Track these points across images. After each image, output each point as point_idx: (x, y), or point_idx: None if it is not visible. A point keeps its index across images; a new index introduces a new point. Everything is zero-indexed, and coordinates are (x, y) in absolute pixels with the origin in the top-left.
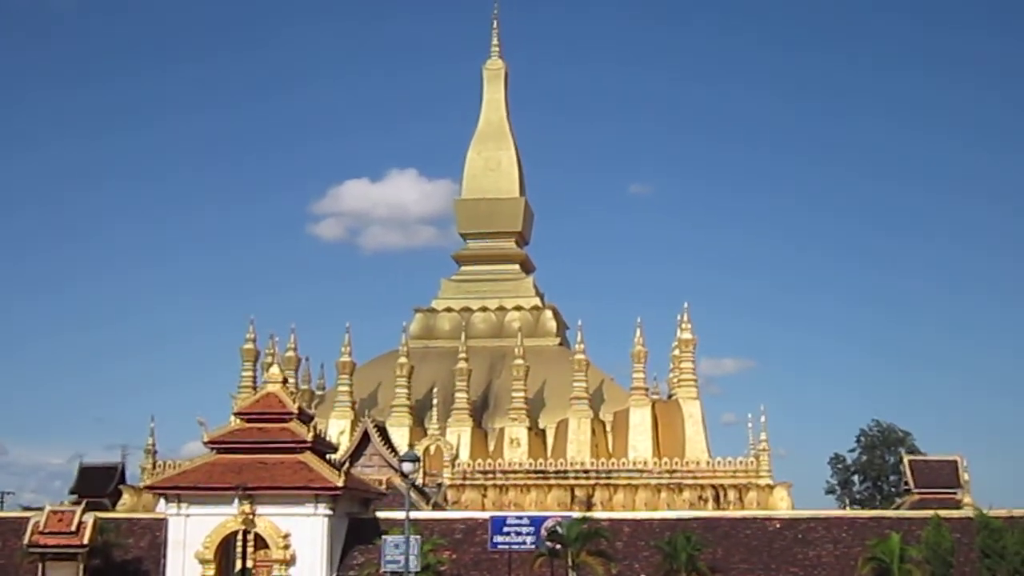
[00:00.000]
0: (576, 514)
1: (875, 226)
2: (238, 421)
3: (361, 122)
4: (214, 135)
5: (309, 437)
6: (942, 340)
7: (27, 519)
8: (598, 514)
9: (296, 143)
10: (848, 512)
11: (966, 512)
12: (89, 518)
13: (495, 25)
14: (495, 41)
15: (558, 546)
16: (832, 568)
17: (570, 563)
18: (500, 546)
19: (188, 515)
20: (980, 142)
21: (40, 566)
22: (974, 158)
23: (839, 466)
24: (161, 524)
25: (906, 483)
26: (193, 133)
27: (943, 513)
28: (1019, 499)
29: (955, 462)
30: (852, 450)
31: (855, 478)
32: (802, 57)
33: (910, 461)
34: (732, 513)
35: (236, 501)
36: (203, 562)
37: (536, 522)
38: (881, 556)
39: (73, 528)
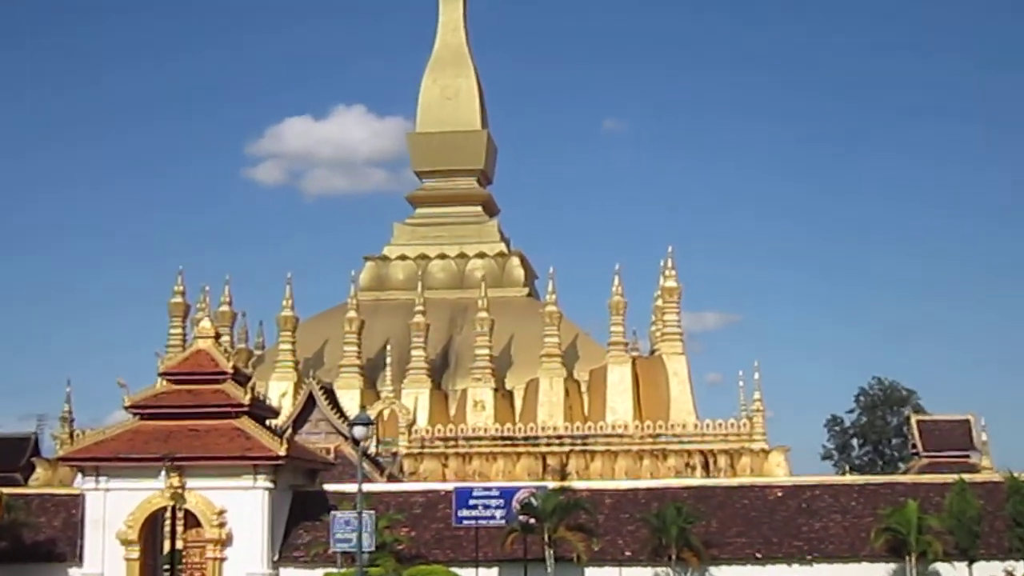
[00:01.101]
0: (551, 484)
1: (872, 155)
2: (164, 383)
3: (303, 54)
4: (145, 77)
5: (246, 400)
6: (951, 287)
7: None
8: (576, 484)
9: (231, 81)
10: (857, 478)
11: (989, 476)
12: None
13: None
14: None
15: (532, 520)
16: (841, 540)
17: (546, 539)
18: (465, 521)
19: (108, 489)
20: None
21: None
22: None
23: (836, 429)
24: (77, 501)
25: (913, 446)
26: (124, 77)
27: (964, 477)
28: None
29: (967, 422)
30: (851, 411)
31: (854, 442)
32: None
33: (918, 422)
34: (727, 481)
35: (163, 473)
36: (126, 543)
37: (507, 494)
38: (896, 526)
39: None
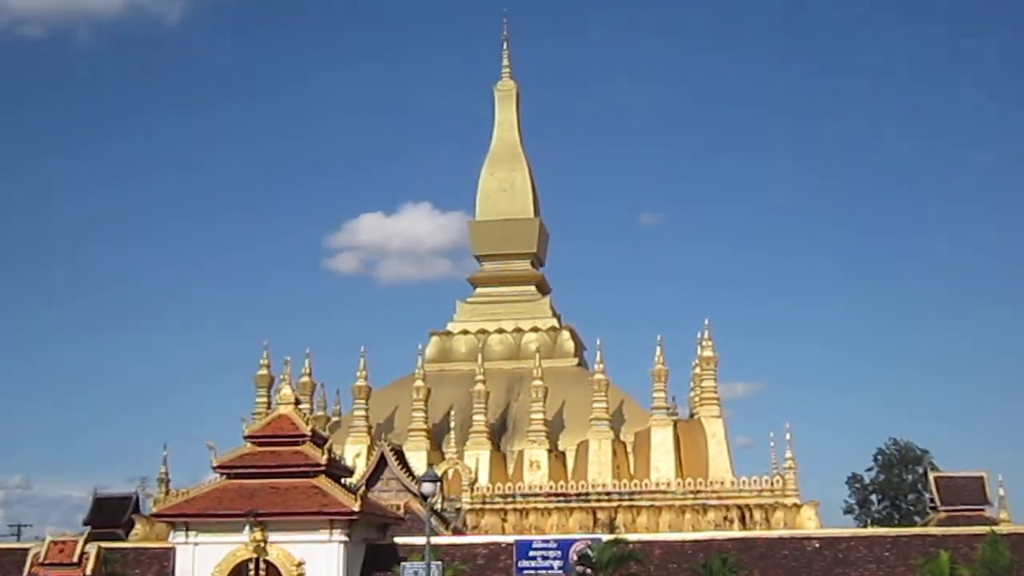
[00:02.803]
0: (605, 536)
1: (882, 242)
2: (249, 445)
3: (374, 156)
4: (232, 173)
5: (323, 460)
6: (955, 356)
7: (27, 549)
8: (628, 536)
9: (310, 179)
10: (890, 530)
11: (1015, 528)
12: (92, 548)
13: (505, 46)
14: (505, 62)
15: (588, 571)
16: None
17: None
18: (526, 571)
19: (197, 543)
20: (990, 145)
21: None
22: (984, 162)
23: (857, 485)
24: (169, 554)
25: (931, 501)
26: (212, 172)
27: (995, 529)
28: None
29: (981, 478)
30: (869, 469)
31: (873, 497)
32: (817, 79)
33: (935, 478)
34: (768, 533)
35: (247, 528)
36: None
37: (563, 545)
38: None
39: (75, 559)
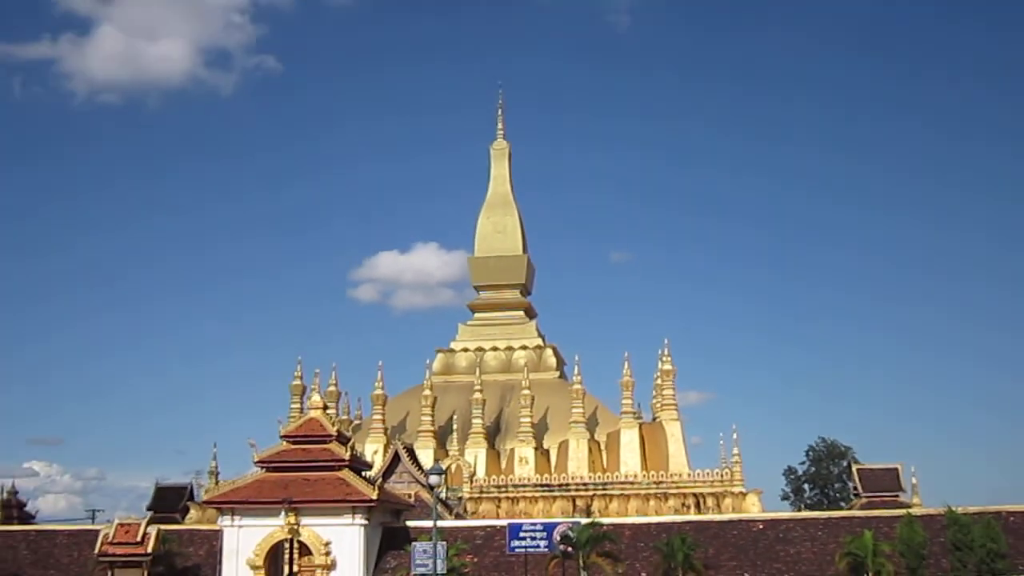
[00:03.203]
0: (584, 520)
1: (807, 278)
2: (284, 443)
3: (392, 203)
4: (276, 214)
5: (347, 456)
6: (873, 367)
7: (99, 531)
8: (602, 520)
9: (336, 221)
10: (822, 513)
11: (926, 511)
12: (153, 529)
13: (500, 112)
14: (500, 125)
15: (570, 549)
16: (811, 563)
17: (581, 564)
18: (517, 550)
19: (241, 526)
20: (913, 166)
21: (109, 573)
22: (909, 180)
23: (791, 476)
24: (217, 535)
25: (855, 489)
26: (261, 211)
27: (911, 512)
28: (953, 500)
29: (896, 469)
30: (802, 463)
31: (805, 486)
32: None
33: (858, 470)
34: (720, 516)
35: (283, 513)
36: (254, 568)
37: (548, 528)
38: (856, 551)
39: (138, 539)
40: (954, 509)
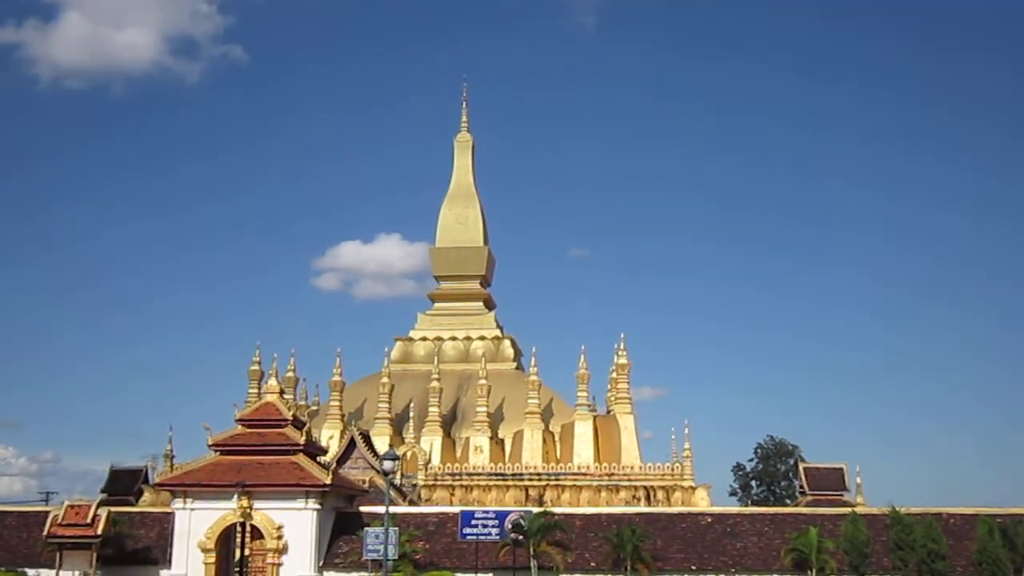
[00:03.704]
0: (535, 510)
1: (763, 286)
2: (240, 427)
3: (355, 194)
4: (239, 205)
5: (302, 441)
6: (821, 367)
7: (47, 512)
8: (554, 509)
9: (301, 212)
10: (769, 509)
11: (870, 510)
12: (103, 511)
13: (464, 105)
14: (464, 117)
15: (521, 537)
16: (757, 558)
17: (531, 552)
18: (468, 537)
19: (193, 509)
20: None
21: (58, 555)
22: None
23: (740, 473)
24: (169, 517)
25: (801, 487)
26: (224, 202)
27: (855, 510)
28: (895, 501)
29: (841, 469)
30: (750, 460)
31: (753, 483)
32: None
33: (804, 468)
34: (669, 509)
35: (235, 497)
36: (205, 551)
37: (500, 516)
38: (801, 548)
39: (88, 520)
40: (897, 509)
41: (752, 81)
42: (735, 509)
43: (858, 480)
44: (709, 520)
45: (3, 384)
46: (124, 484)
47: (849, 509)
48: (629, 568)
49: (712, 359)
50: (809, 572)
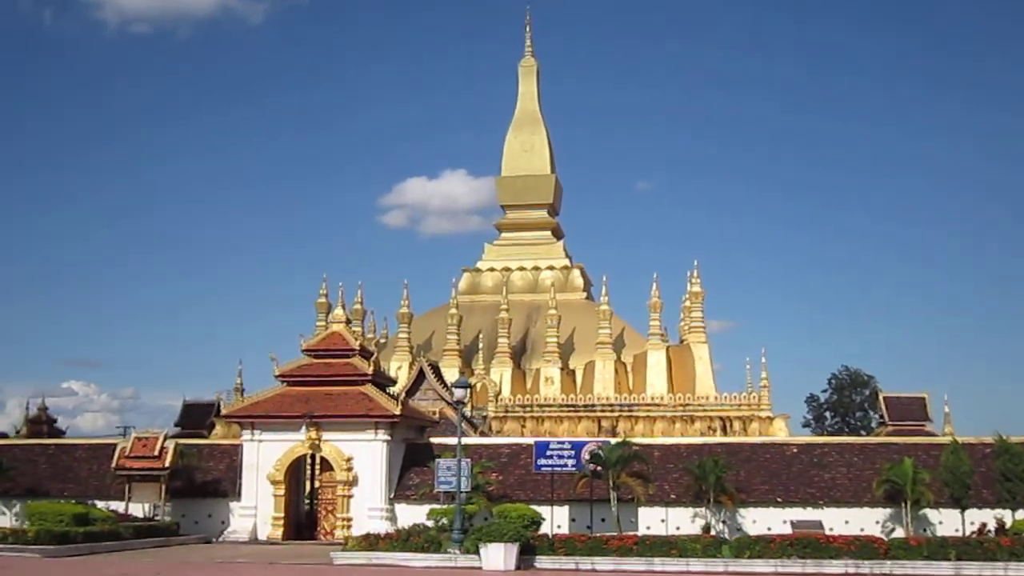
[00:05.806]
0: (613, 440)
1: (832, 200)
2: (306, 357)
3: (422, 131)
4: (301, 146)
5: (370, 370)
6: (897, 298)
7: (116, 445)
8: (632, 439)
9: (369, 150)
10: (858, 439)
11: (968, 439)
12: (171, 444)
13: (528, 30)
14: (528, 43)
15: (598, 468)
16: (846, 489)
17: (611, 483)
18: (543, 468)
19: (261, 440)
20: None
21: (127, 487)
22: (937, 101)
23: (814, 404)
24: (238, 449)
25: (880, 417)
26: (286, 145)
27: (961, 440)
28: (979, 432)
29: (923, 399)
30: (824, 391)
31: (827, 414)
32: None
33: (885, 398)
34: (751, 439)
35: (304, 428)
36: (274, 483)
37: (577, 447)
38: (895, 479)
39: (156, 452)
40: (1004, 437)
41: (839, 36)
42: (822, 439)
43: (945, 409)
44: (795, 450)
45: (85, 326)
46: (196, 418)
47: (950, 438)
48: (712, 500)
49: (782, 290)
50: (904, 504)
